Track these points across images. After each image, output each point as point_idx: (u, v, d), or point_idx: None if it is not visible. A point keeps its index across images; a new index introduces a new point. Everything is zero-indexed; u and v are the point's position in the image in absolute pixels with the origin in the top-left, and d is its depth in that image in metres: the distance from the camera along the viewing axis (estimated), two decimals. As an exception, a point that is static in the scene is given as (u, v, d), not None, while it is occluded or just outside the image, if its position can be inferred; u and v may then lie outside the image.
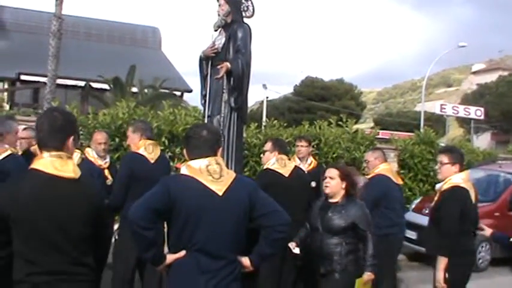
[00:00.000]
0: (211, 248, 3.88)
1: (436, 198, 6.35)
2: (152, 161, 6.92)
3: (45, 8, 30.87)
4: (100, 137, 7.92)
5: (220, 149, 4.22)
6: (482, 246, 11.91)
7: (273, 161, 7.21)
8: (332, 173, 6.19)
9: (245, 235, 4.09)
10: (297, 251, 6.44)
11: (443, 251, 5.93)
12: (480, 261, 11.82)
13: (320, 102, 54.81)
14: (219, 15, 7.93)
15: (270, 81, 51.80)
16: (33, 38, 32.01)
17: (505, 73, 70.02)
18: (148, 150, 6.94)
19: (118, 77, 26.46)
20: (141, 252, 3.99)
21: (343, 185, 6.14)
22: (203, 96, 8.07)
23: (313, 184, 8.04)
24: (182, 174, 4.06)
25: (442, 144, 17.55)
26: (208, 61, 7.94)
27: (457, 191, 6.07)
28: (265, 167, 7.37)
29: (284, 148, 7.47)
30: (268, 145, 7.38)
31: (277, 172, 7.14)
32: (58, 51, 21.93)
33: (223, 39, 7.85)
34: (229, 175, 4.08)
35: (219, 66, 7.62)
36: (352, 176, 6.38)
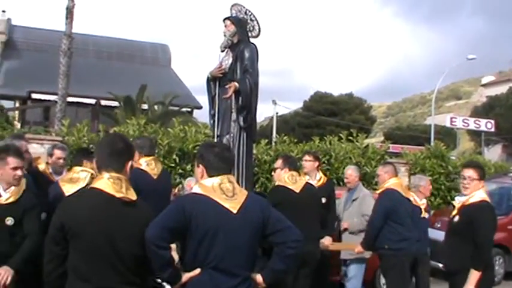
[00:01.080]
0: (227, 265, 3.90)
1: (455, 212, 6.30)
2: (155, 177, 6.92)
3: (56, 26, 31.11)
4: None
5: (233, 167, 4.26)
6: (496, 260, 11.83)
7: (284, 177, 7.22)
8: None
9: (257, 252, 4.12)
10: None
11: (479, 265, 5.88)
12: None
13: (330, 117, 54.77)
14: (225, 35, 7.93)
15: (279, 96, 52.13)
16: (43, 56, 32.23)
17: (515, 85, 69.71)
18: (150, 165, 6.94)
19: (128, 95, 26.56)
20: (157, 271, 3.99)
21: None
22: (212, 116, 8.08)
23: (323, 200, 8.01)
24: (196, 193, 4.08)
25: (453, 158, 17.50)
26: (216, 81, 7.94)
27: (488, 206, 6.11)
28: (276, 184, 7.38)
29: (294, 164, 7.45)
30: (279, 162, 7.38)
31: (288, 188, 7.14)
32: (68, 69, 22.09)
33: (230, 60, 7.86)
34: (242, 193, 4.11)
35: (227, 86, 7.63)
36: None
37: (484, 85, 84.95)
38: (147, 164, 6.93)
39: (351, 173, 9.31)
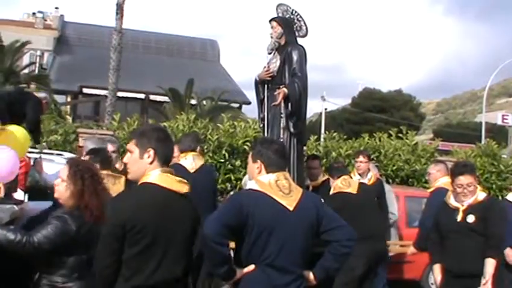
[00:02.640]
0: (282, 262, 3.89)
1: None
2: (192, 170, 7.09)
3: (106, 22, 31.51)
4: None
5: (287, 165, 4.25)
6: None
7: (337, 183, 7.22)
8: None
9: (311, 249, 4.10)
10: None
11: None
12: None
13: (378, 114, 54.32)
14: (272, 37, 7.73)
15: (328, 92, 51.54)
16: (94, 52, 32.72)
17: None
18: (188, 160, 7.19)
19: (176, 90, 26.76)
20: (214, 268, 3.99)
21: None
22: (261, 119, 7.98)
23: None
24: (253, 189, 4.08)
25: (505, 156, 17.17)
26: (264, 85, 7.77)
27: None
28: (331, 192, 7.35)
29: (340, 171, 7.52)
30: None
31: (345, 192, 7.14)
32: (118, 64, 22.38)
33: (278, 62, 7.64)
34: (298, 190, 4.10)
35: (276, 93, 7.40)
36: None
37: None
38: (185, 159, 7.19)
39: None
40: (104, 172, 5.70)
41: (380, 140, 13.97)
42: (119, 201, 3.70)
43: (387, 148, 13.57)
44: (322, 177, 8.60)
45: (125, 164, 3.79)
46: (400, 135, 14.46)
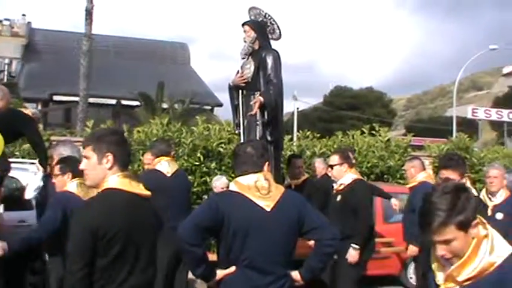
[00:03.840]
0: (261, 263, 3.91)
1: None
2: (169, 175, 7.17)
3: (75, 28, 31.31)
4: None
5: (267, 164, 4.23)
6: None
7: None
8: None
9: (294, 250, 4.12)
10: None
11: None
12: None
13: (350, 111, 54.67)
14: (245, 42, 7.72)
15: (299, 92, 51.53)
16: (64, 58, 32.41)
17: (537, 74, 69.07)
18: (164, 165, 7.23)
19: (147, 94, 26.69)
20: (191, 269, 4.06)
21: None
22: (236, 125, 7.96)
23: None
24: (231, 191, 4.14)
25: (476, 149, 17.36)
26: (238, 90, 7.77)
27: None
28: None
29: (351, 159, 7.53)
30: (336, 159, 7.25)
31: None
32: (89, 70, 22.25)
33: (252, 68, 7.60)
34: (278, 190, 4.11)
35: (252, 102, 7.38)
36: None
37: (505, 75, 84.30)
38: (160, 164, 7.24)
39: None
40: (77, 181, 5.66)
41: (353, 138, 14.06)
42: (88, 208, 3.57)
43: (361, 145, 13.66)
44: (303, 177, 8.64)
45: (83, 171, 3.68)
46: (373, 132, 14.56)
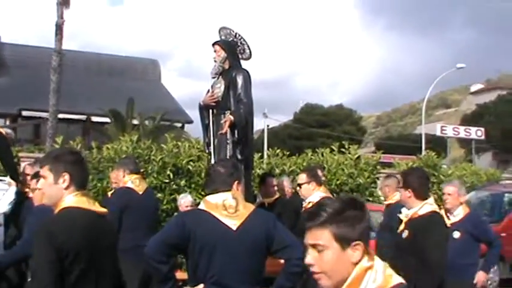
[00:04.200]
0: (227, 281, 3.97)
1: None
2: (140, 192, 7.16)
3: (45, 43, 31.09)
4: None
5: (238, 184, 4.28)
6: (491, 267, 11.83)
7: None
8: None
9: (263, 268, 4.18)
10: None
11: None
12: (489, 282, 11.75)
13: (320, 129, 54.93)
14: (215, 61, 7.75)
15: (269, 109, 51.75)
16: (33, 73, 32.15)
17: (504, 92, 70.00)
18: (135, 183, 7.18)
19: (117, 110, 26.61)
20: (158, 285, 4.11)
21: None
22: (206, 144, 7.99)
23: None
24: (199, 209, 4.22)
25: (444, 167, 17.56)
26: (209, 110, 7.80)
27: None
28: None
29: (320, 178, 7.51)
30: (303, 177, 7.24)
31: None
32: (59, 86, 22.11)
33: (223, 87, 7.66)
34: (247, 209, 4.18)
35: (222, 121, 7.45)
36: None
37: (473, 93, 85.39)
38: (131, 182, 7.19)
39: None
40: None
41: (323, 155, 14.11)
42: (50, 227, 3.48)
43: (330, 163, 13.71)
44: (276, 195, 8.66)
45: (39, 190, 3.72)
46: (343, 149, 14.62)
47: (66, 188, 3.56)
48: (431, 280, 5.32)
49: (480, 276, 6.90)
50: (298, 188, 7.45)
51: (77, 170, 3.62)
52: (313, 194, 7.12)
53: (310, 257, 2.50)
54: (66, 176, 3.55)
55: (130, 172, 7.29)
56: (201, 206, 4.20)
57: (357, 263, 2.47)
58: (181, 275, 7.02)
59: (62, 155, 3.67)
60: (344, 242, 2.45)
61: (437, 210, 5.77)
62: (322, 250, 2.46)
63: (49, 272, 3.30)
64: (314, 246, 2.49)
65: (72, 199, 3.55)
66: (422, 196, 5.64)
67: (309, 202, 7.16)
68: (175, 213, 10.50)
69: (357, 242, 2.46)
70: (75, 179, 3.58)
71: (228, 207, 4.09)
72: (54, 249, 3.31)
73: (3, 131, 8.38)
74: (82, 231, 3.46)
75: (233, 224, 4.05)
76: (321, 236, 2.47)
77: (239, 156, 7.48)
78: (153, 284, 6.91)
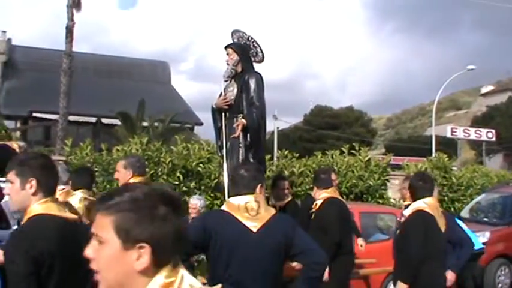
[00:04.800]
0: (246, 282, 4.04)
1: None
2: None
3: (56, 46, 31.21)
4: None
5: (260, 187, 4.38)
6: (501, 270, 11.79)
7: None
8: None
9: (281, 271, 4.24)
10: None
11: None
12: (500, 285, 11.70)
13: (330, 131, 54.85)
14: (228, 64, 7.71)
15: (279, 111, 51.66)
16: (44, 76, 32.29)
17: (514, 94, 69.61)
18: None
19: (127, 112, 26.65)
20: None
21: None
22: (219, 147, 7.98)
23: None
24: (221, 210, 4.33)
25: (455, 169, 17.48)
26: (221, 113, 7.77)
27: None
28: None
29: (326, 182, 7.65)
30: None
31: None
32: (69, 88, 22.20)
33: (235, 90, 7.64)
34: (268, 213, 4.25)
35: (235, 125, 7.43)
36: None
37: (484, 95, 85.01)
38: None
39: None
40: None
41: (333, 157, 14.10)
42: (25, 235, 3.34)
43: (340, 165, 13.69)
44: (287, 198, 8.66)
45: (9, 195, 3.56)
46: (353, 151, 14.60)
47: (33, 194, 3.40)
48: (406, 272, 5.95)
49: (448, 276, 6.89)
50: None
51: (45, 175, 3.46)
52: (320, 196, 7.34)
53: (90, 249, 1.98)
54: (33, 182, 3.39)
55: (138, 175, 7.18)
56: (224, 208, 4.30)
57: (143, 273, 1.91)
58: (200, 280, 7.04)
59: (29, 159, 3.51)
60: (127, 239, 1.89)
61: (424, 208, 6.03)
62: (102, 242, 1.94)
63: (28, 285, 3.16)
64: (95, 235, 1.96)
65: (41, 206, 3.39)
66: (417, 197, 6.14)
67: (315, 203, 7.39)
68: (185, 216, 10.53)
69: (144, 245, 1.88)
70: (43, 185, 3.42)
71: (250, 210, 4.17)
72: (32, 259, 3.16)
73: (17, 145, 8.28)
74: (56, 239, 3.30)
75: (254, 226, 4.12)
76: (102, 224, 1.94)
77: (251, 160, 7.44)
78: None
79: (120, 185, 7.52)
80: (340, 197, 7.76)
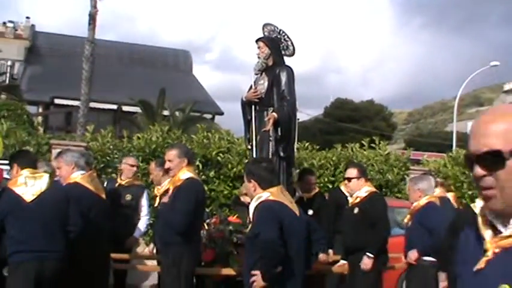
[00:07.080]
0: (296, 264, 4.93)
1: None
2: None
3: (78, 33, 31.36)
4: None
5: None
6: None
7: None
8: None
9: None
10: None
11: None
12: None
13: (351, 124, 54.62)
14: (259, 57, 7.70)
15: (300, 103, 51.21)
16: (66, 62, 32.48)
17: (538, 91, 68.99)
18: (196, 175, 6.69)
19: (147, 101, 26.72)
20: (271, 268, 4.72)
21: None
22: (248, 140, 7.96)
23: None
24: (273, 200, 4.89)
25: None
26: (251, 105, 7.74)
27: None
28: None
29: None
30: (354, 172, 7.38)
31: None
32: (91, 75, 22.28)
33: (266, 84, 7.61)
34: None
35: (266, 118, 7.42)
36: None
37: (506, 92, 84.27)
38: (194, 174, 6.61)
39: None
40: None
41: (352, 150, 14.05)
42: None
43: (360, 158, 13.64)
44: (315, 190, 8.70)
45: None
46: (373, 145, 14.54)
47: None
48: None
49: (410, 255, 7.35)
50: (346, 182, 7.55)
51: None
52: (361, 189, 7.27)
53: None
54: None
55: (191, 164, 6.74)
56: (267, 196, 4.87)
57: None
58: (227, 271, 7.04)
59: None
60: None
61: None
62: None
63: None
64: None
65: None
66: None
67: (356, 197, 7.32)
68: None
69: None
70: None
71: (288, 197, 5.01)
72: None
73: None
74: None
75: (297, 210, 5.01)
76: None
77: (281, 154, 7.44)
78: None
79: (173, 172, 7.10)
80: None
